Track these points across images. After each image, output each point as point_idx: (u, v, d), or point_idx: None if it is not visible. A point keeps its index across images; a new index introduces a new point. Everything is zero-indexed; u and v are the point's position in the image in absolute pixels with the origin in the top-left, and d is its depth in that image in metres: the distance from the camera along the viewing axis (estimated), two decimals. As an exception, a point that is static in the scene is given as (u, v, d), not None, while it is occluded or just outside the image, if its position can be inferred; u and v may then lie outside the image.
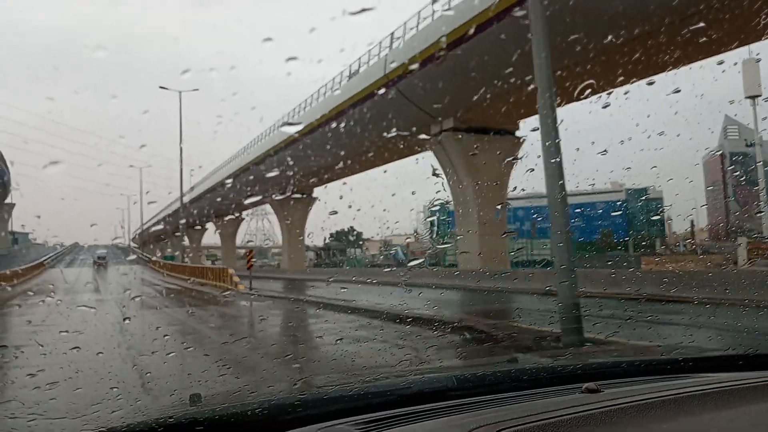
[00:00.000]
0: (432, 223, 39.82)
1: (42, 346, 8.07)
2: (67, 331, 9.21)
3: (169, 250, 67.19)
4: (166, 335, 10.00)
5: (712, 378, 1.79)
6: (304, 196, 47.26)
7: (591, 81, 6.37)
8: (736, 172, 54.60)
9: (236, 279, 23.87)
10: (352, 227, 65.17)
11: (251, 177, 36.51)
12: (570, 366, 2.05)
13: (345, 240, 68.80)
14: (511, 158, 27.46)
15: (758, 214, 38.85)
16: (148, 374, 6.51)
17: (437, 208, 33.16)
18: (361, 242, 71.61)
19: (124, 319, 12.21)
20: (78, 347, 6.71)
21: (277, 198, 42.53)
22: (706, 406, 1.48)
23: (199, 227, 67.30)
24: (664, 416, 1.38)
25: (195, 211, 52.86)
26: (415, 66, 22.53)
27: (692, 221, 40.16)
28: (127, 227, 70.21)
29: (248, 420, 1.42)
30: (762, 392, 1.60)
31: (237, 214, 60.91)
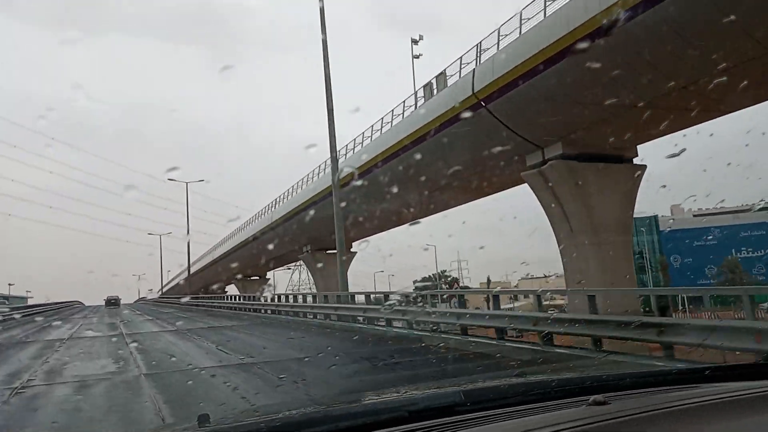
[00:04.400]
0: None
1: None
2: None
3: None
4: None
5: (720, 388, 1.78)
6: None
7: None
8: None
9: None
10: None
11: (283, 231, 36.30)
12: (577, 379, 2.04)
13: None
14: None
15: None
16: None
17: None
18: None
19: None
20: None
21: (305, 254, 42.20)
22: (714, 415, 1.48)
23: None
24: (672, 427, 1.38)
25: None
26: (508, 83, 18.45)
27: None
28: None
29: None
30: None
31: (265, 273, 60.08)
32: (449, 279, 65.30)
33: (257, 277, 55.88)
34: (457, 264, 73.35)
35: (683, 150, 7.75)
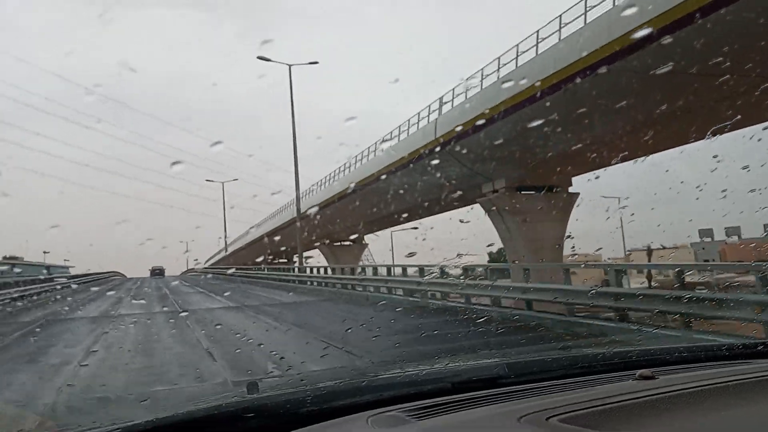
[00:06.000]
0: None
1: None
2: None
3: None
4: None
5: None
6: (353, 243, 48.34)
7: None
8: None
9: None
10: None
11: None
12: (624, 353, 2.02)
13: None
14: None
15: None
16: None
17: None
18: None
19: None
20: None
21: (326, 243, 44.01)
22: (764, 392, 1.44)
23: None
24: (720, 403, 1.35)
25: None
26: (460, 130, 22.86)
27: None
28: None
29: (300, 407, 1.46)
30: None
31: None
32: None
33: (350, 243, 50.95)
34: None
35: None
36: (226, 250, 52.05)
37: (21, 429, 2.21)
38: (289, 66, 30.88)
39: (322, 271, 29.21)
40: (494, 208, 26.20)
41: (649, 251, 33.22)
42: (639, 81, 14.86)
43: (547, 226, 25.37)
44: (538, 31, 19.59)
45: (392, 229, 36.94)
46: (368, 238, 49.49)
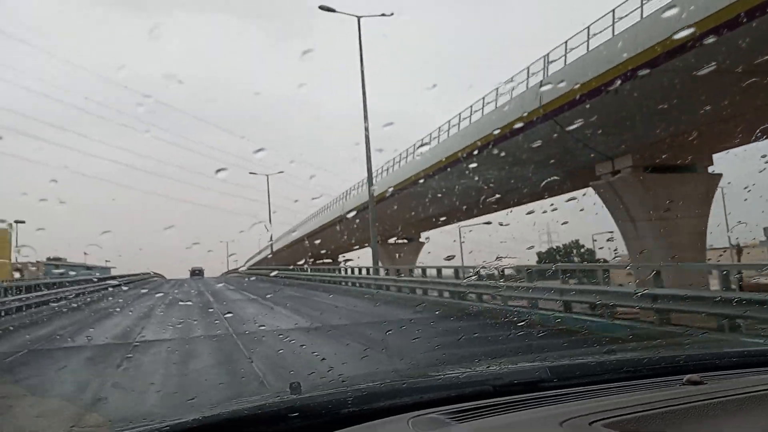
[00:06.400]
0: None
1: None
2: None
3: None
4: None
5: None
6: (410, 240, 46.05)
7: None
8: None
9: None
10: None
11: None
12: (671, 357, 1.98)
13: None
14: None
15: None
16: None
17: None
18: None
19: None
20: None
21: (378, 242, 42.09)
22: None
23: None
24: None
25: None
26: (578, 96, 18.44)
27: None
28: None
29: (341, 408, 1.48)
30: None
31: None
32: (582, 251, 57.46)
33: (405, 240, 47.75)
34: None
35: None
36: (272, 249, 51.40)
37: (74, 425, 2.30)
38: (358, 18, 28.59)
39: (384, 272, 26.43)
40: (612, 192, 21.63)
41: (739, 249, 29.13)
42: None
43: (685, 215, 20.66)
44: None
45: (461, 224, 34.37)
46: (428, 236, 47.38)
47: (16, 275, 29.69)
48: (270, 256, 54.07)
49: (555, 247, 59.49)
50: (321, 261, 54.24)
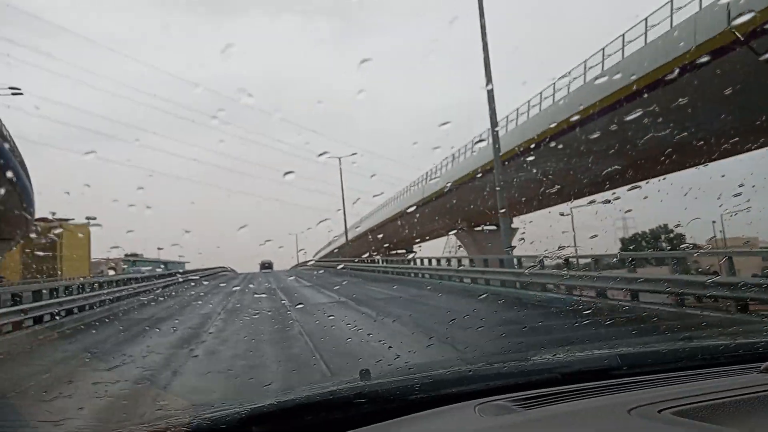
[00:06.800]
0: None
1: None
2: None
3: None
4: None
5: None
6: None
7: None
8: None
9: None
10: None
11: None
12: (749, 344, 1.91)
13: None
14: None
15: None
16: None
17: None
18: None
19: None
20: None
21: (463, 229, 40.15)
22: None
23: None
24: None
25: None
26: None
27: None
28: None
29: (409, 394, 1.51)
30: None
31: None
32: (671, 235, 52.82)
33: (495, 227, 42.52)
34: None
35: None
36: (347, 237, 50.55)
37: (160, 408, 2.44)
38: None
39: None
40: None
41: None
42: None
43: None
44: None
45: (572, 204, 31.27)
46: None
47: (111, 272, 32.45)
48: (348, 243, 50.93)
49: (641, 233, 56.63)
50: (394, 251, 53.08)
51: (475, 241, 42.16)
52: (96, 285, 19.38)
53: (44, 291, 14.95)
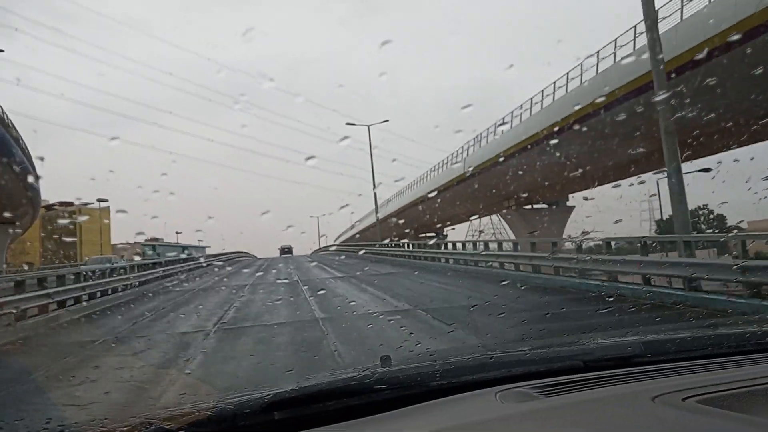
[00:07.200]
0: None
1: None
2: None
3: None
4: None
5: None
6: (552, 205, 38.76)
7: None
8: None
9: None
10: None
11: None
12: None
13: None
14: None
15: None
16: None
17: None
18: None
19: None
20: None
21: (512, 207, 37.89)
22: None
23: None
24: None
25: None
26: None
27: None
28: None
29: (430, 380, 1.51)
30: None
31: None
32: (711, 217, 48.36)
33: (546, 205, 39.62)
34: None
35: None
36: (377, 219, 48.17)
37: (184, 393, 2.48)
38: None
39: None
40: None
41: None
42: None
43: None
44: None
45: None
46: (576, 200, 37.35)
47: (137, 258, 33.39)
48: (377, 223, 47.70)
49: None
50: (423, 235, 51.35)
51: (525, 220, 39.02)
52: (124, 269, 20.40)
53: (84, 274, 15.86)
